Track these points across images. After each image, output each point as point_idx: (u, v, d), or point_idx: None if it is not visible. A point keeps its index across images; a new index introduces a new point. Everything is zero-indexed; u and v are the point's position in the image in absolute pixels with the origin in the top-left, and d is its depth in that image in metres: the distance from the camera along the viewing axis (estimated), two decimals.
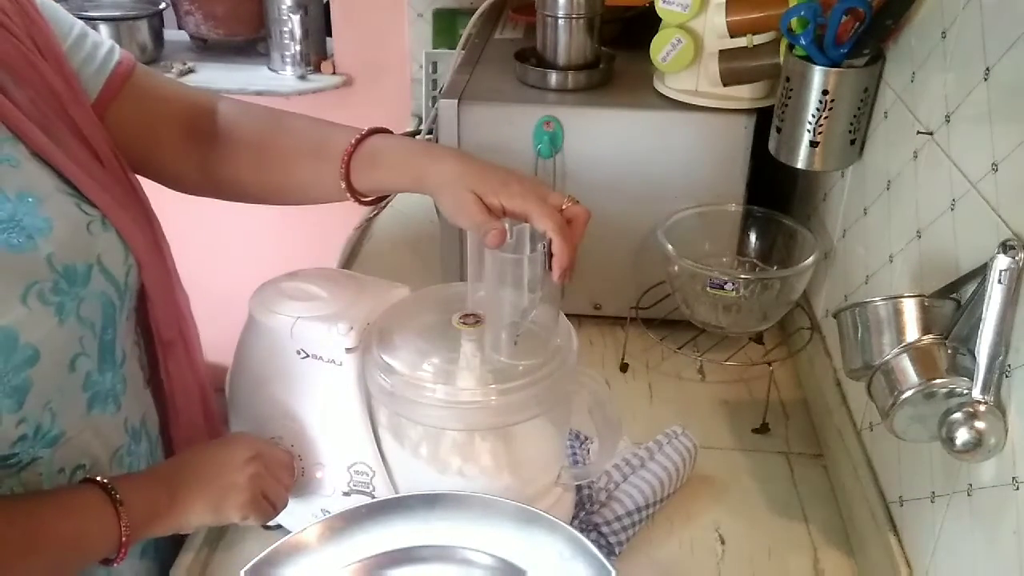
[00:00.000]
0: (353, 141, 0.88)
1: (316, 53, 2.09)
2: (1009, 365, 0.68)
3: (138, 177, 0.91)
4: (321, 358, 0.85)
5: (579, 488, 0.97)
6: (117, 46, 0.91)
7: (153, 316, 0.88)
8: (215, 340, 1.15)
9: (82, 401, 0.79)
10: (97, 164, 0.83)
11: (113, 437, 0.83)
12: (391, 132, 0.92)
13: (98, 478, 0.77)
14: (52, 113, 0.80)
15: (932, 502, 0.80)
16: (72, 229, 0.77)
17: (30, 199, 0.75)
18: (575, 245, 0.81)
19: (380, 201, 0.96)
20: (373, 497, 0.89)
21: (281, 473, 0.87)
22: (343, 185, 0.88)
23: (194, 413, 0.96)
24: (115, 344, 0.82)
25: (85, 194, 0.80)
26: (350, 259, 1.55)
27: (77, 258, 0.77)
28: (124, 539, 0.76)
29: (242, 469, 0.83)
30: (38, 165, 0.77)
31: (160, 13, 2.15)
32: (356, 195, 0.90)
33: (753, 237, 1.25)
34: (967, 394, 0.69)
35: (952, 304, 0.76)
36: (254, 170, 0.94)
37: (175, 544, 0.95)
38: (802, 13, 0.98)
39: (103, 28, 2.04)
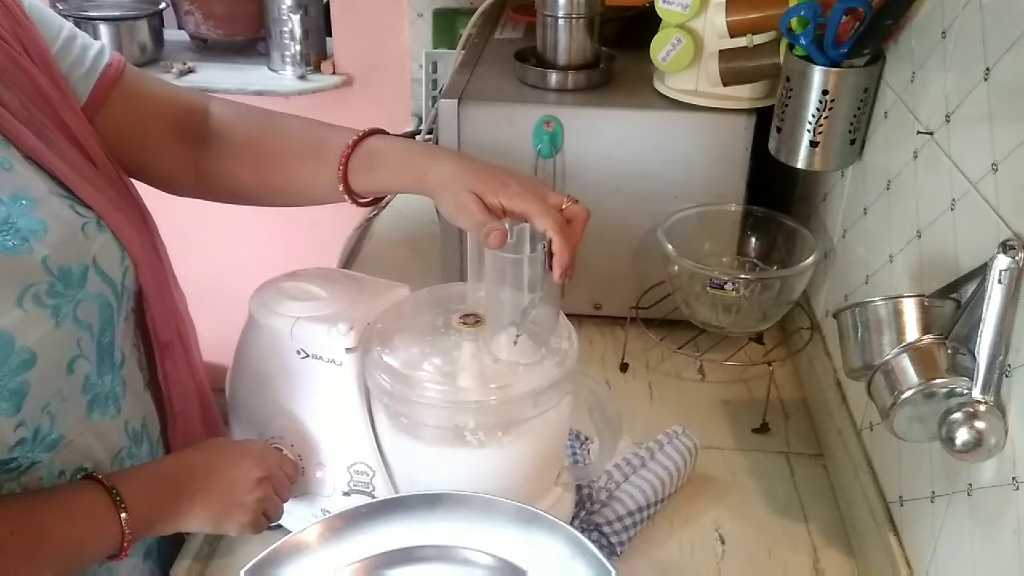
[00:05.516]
0: (351, 142, 0.88)
1: (316, 53, 2.09)
2: (1009, 365, 0.68)
3: (133, 180, 0.91)
4: (321, 358, 0.85)
5: (579, 488, 0.97)
6: (107, 47, 0.90)
7: (151, 317, 0.88)
8: (215, 340, 1.15)
9: (82, 404, 0.78)
10: (90, 166, 0.83)
11: (114, 440, 0.83)
12: (388, 133, 0.91)
13: (100, 477, 0.77)
14: (43, 115, 0.80)
15: (932, 502, 0.80)
16: (66, 231, 0.76)
17: (24, 201, 0.74)
18: (575, 245, 0.80)
19: (377, 202, 0.96)
20: (373, 497, 0.89)
21: (284, 491, 0.87)
22: (340, 186, 0.88)
23: (192, 415, 0.95)
24: (114, 346, 0.82)
25: (79, 196, 0.79)
26: (350, 259, 1.55)
27: (72, 260, 0.76)
28: (126, 543, 0.76)
29: (251, 491, 0.83)
30: (31, 168, 0.77)
31: (160, 13, 2.16)
32: (353, 196, 0.89)
33: (753, 237, 1.25)
34: (967, 394, 0.69)
35: (952, 304, 0.75)
36: (249, 172, 0.93)
37: (176, 545, 0.95)
38: (802, 13, 0.98)
39: (103, 28, 2.04)
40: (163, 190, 0.96)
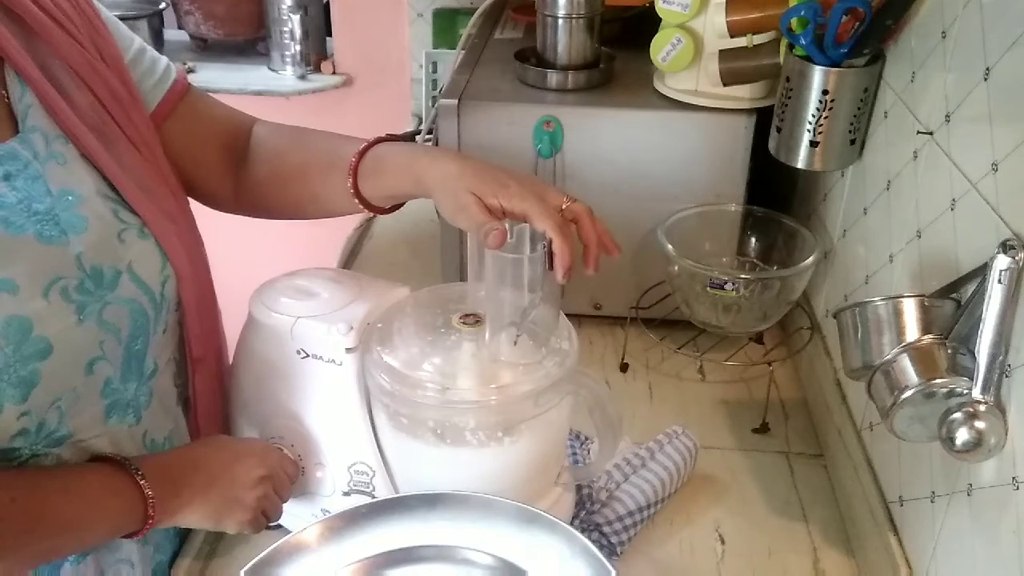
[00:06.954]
0: (359, 149, 0.89)
1: (316, 53, 2.09)
2: (1009, 365, 0.68)
3: None
4: (321, 358, 0.85)
5: (579, 488, 0.97)
6: (172, 65, 0.93)
7: (187, 330, 0.87)
8: None
9: (99, 407, 0.78)
10: (150, 171, 0.84)
11: (128, 449, 0.82)
12: (397, 139, 0.93)
13: (111, 456, 0.77)
14: (111, 119, 0.81)
15: (932, 502, 0.80)
16: (104, 233, 0.77)
17: (70, 197, 0.76)
18: (603, 234, 0.82)
19: (395, 210, 0.96)
20: (373, 497, 0.89)
21: (284, 491, 0.88)
22: (352, 193, 0.89)
23: (214, 433, 0.95)
24: (145, 355, 0.82)
25: (128, 202, 0.80)
26: (350, 259, 1.55)
27: (105, 262, 0.77)
28: (152, 511, 0.76)
29: (252, 489, 0.83)
30: (85, 166, 0.78)
31: (160, 13, 2.16)
32: (367, 204, 0.91)
33: (753, 237, 1.25)
34: (967, 394, 0.69)
35: (952, 304, 0.76)
36: (273, 186, 0.95)
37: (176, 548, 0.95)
38: (802, 13, 0.98)
39: None
40: (205, 205, 0.98)
